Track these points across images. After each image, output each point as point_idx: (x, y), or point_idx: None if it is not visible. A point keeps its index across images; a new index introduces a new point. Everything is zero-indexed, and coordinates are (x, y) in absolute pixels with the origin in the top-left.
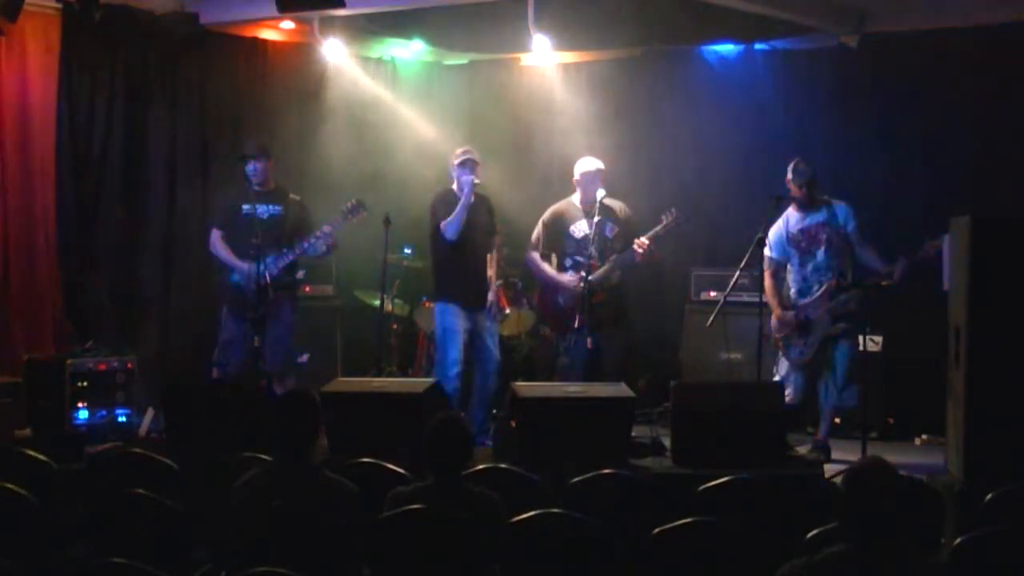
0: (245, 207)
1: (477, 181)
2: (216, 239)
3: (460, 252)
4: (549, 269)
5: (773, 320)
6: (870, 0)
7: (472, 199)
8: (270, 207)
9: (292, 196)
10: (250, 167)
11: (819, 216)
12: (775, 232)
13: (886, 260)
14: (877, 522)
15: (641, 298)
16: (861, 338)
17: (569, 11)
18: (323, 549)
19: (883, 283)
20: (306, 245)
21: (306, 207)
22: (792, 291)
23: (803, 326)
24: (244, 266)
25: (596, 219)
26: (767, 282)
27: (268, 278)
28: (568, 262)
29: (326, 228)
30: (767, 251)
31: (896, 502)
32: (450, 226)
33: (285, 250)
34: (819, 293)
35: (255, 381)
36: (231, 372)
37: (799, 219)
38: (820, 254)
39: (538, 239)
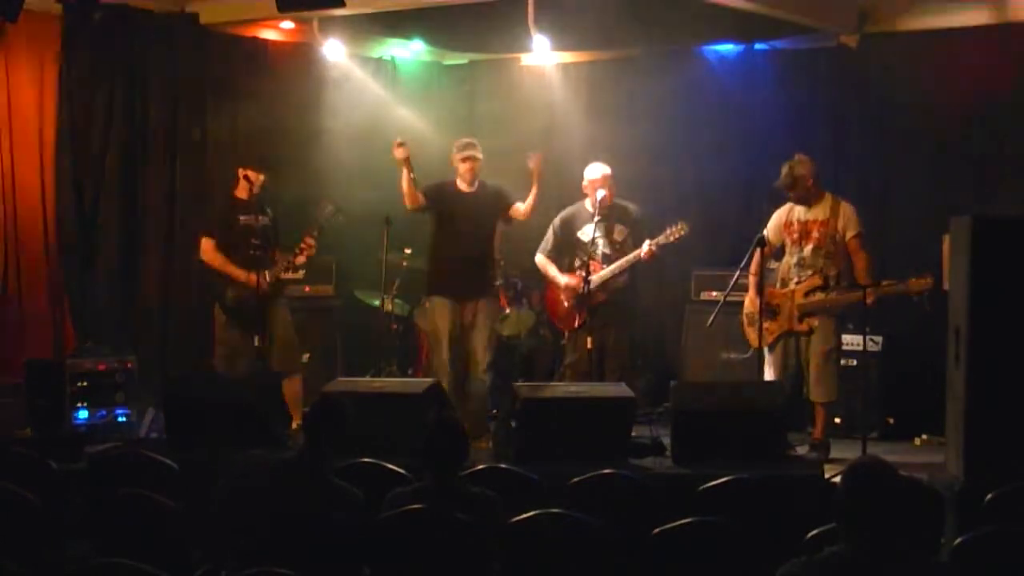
0: (243, 217)
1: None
2: (210, 248)
3: (450, 241)
4: (553, 271)
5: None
6: (870, 0)
7: (405, 172)
8: (263, 217)
9: (267, 208)
10: (260, 176)
11: (820, 214)
12: (776, 215)
13: (876, 277)
14: (876, 522)
15: (641, 298)
16: (861, 338)
17: (569, 11)
18: (324, 550)
19: (865, 299)
20: (291, 258)
21: (276, 220)
22: (781, 277)
23: (771, 311)
24: (244, 275)
25: (597, 219)
26: (754, 260)
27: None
28: (577, 263)
29: (309, 241)
30: (767, 232)
31: (895, 502)
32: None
33: (279, 259)
34: (794, 287)
35: (256, 382)
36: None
37: (802, 211)
38: (808, 250)
39: (547, 242)
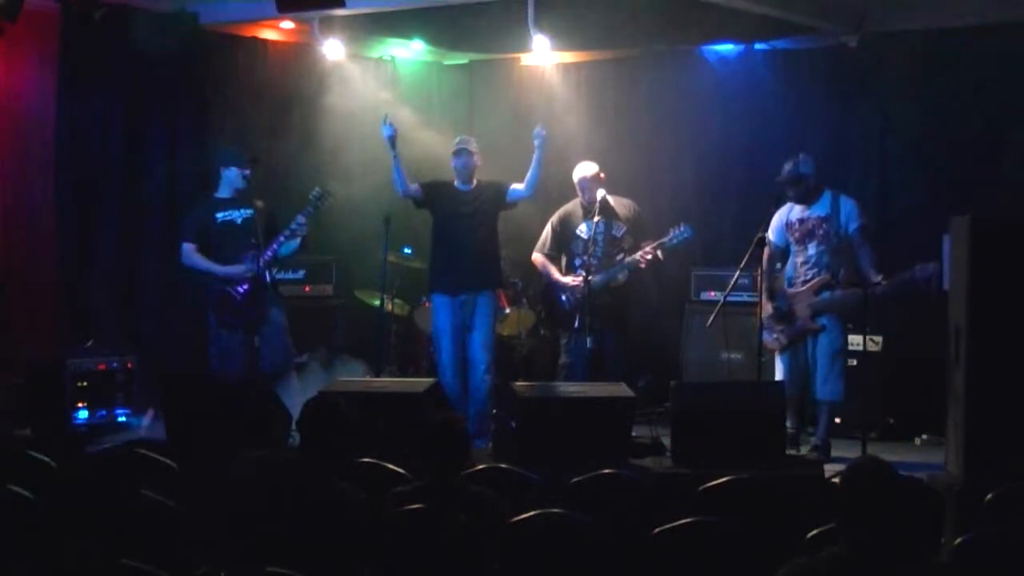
0: (220, 215)
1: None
2: (191, 252)
3: (449, 239)
4: (553, 271)
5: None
6: (870, 0)
7: (392, 154)
8: (243, 211)
9: (256, 202)
10: (244, 172)
11: (821, 211)
12: (777, 216)
13: (881, 269)
14: (875, 522)
15: (641, 298)
16: (861, 338)
17: (569, 11)
18: (324, 550)
19: (871, 290)
20: (281, 239)
21: (271, 211)
22: (787, 279)
23: (783, 315)
24: (235, 269)
25: (597, 219)
26: (762, 266)
27: (267, 276)
28: (577, 262)
29: (300, 219)
30: (769, 234)
31: (894, 502)
32: (395, 183)
33: (263, 250)
34: (803, 287)
35: (256, 382)
36: (234, 380)
37: (801, 210)
38: (812, 248)
39: (545, 241)
